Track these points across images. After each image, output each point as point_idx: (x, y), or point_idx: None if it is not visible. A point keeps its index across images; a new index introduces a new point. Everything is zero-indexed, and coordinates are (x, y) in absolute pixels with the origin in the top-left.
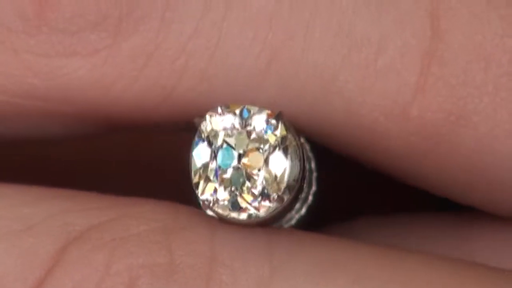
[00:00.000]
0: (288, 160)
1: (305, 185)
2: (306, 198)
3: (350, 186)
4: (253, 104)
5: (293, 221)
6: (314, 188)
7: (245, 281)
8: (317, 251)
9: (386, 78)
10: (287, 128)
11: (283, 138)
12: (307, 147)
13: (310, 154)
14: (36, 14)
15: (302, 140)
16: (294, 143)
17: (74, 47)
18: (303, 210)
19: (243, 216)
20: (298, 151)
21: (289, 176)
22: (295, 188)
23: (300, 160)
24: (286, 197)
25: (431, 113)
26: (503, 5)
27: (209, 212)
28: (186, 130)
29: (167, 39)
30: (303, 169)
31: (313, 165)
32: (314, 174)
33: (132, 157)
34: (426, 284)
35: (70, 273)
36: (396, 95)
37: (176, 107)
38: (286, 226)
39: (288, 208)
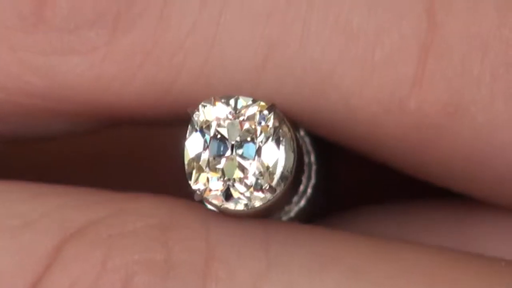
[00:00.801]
0: (280, 151)
1: (304, 178)
2: (305, 190)
3: (350, 177)
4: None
5: (292, 214)
6: (313, 181)
7: (241, 275)
8: (313, 244)
9: (383, 71)
10: (280, 120)
11: (276, 129)
12: (307, 140)
13: (310, 148)
14: (34, 12)
15: (302, 133)
16: (288, 135)
17: (72, 45)
18: (302, 203)
19: (236, 206)
20: (292, 143)
21: (282, 167)
22: (289, 179)
23: (294, 152)
24: (279, 188)
25: (428, 105)
26: None
27: (204, 202)
28: (186, 125)
29: (165, 36)
30: (298, 161)
31: (312, 158)
32: (314, 167)
33: (131, 151)
34: (424, 277)
35: (67, 269)
36: (394, 88)
37: (175, 103)
38: (284, 218)
39: (285, 200)
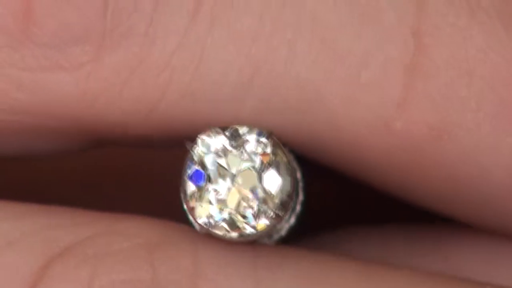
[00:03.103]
0: (281, 177)
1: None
2: (294, 207)
3: (336, 194)
4: (237, 117)
5: (283, 232)
6: (301, 197)
7: None
8: (301, 266)
9: (369, 92)
10: (277, 146)
11: (275, 156)
12: (291, 157)
13: (295, 164)
14: (20, 29)
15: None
16: (284, 159)
17: (58, 62)
18: (292, 220)
19: (240, 235)
20: (289, 167)
21: (283, 193)
22: (290, 204)
23: (291, 176)
24: (281, 214)
25: (414, 126)
26: (485, 19)
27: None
28: (174, 146)
29: (150, 54)
30: (294, 184)
31: (299, 175)
32: (300, 184)
33: (120, 172)
34: None
35: None
36: (379, 109)
37: (160, 121)
38: (276, 237)
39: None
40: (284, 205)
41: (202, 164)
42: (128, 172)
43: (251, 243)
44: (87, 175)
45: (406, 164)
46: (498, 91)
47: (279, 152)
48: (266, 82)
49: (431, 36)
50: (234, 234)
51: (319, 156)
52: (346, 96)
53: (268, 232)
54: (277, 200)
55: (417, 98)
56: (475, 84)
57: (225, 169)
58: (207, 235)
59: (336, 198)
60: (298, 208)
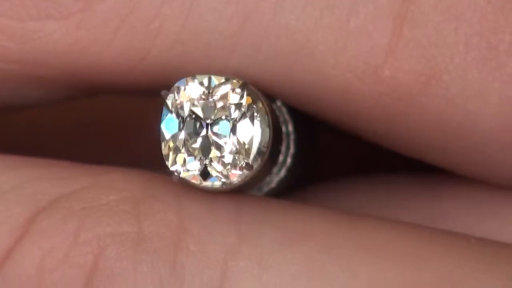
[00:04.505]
0: (255, 127)
1: (283, 148)
2: (285, 160)
3: (330, 147)
4: (227, 66)
5: (273, 184)
6: (292, 150)
7: (212, 249)
8: (285, 219)
9: (358, 39)
10: (253, 96)
11: (249, 106)
12: (283, 109)
13: (287, 117)
14: None
15: (278, 103)
16: (263, 110)
17: (48, 11)
18: (282, 173)
19: (215, 185)
20: (267, 117)
21: (258, 143)
22: (266, 154)
23: (269, 126)
24: (255, 164)
25: (402, 74)
26: None
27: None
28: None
29: (141, 2)
30: (275, 133)
31: (290, 127)
32: (292, 137)
33: (109, 121)
34: (396, 254)
35: (39, 241)
36: (368, 56)
37: (151, 70)
38: (266, 189)
39: (265, 172)
40: (259, 156)
41: (177, 113)
42: (119, 121)
43: (237, 193)
44: (77, 125)
45: (394, 112)
46: (486, 36)
47: (257, 102)
48: (255, 31)
49: None
50: (207, 183)
51: (309, 106)
52: (334, 44)
53: (249, 181)
54: (250, 151)
55: (406, 45)
56: (463, 29)
57: (200, 118)
58: (192, 188)
59: (335, 150)
60: (289, 161)
